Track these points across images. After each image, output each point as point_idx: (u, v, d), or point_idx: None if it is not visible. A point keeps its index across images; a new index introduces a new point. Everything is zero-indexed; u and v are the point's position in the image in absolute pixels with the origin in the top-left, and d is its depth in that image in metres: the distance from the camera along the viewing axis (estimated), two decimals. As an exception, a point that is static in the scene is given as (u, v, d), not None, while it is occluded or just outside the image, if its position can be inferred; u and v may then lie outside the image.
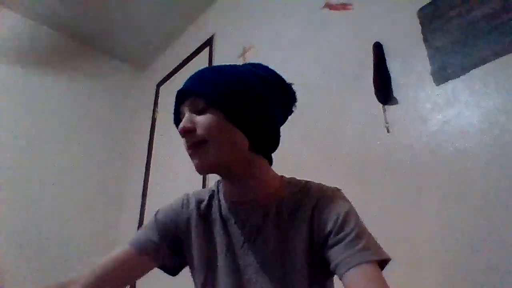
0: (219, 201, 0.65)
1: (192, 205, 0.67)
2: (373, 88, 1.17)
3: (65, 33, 2.47)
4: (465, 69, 0.98)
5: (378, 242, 0.55)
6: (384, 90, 1.15)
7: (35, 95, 2.21)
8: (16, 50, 2.21)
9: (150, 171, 2.32)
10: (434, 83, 1.05)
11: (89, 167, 2.33)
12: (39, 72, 2.27)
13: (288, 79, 0.68)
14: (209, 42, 2.17)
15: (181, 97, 0.60)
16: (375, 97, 1.16)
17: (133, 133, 2.66)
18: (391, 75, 1.16)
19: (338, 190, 0.63)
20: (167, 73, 2.52)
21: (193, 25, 2.44)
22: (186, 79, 0.61)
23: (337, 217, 0.55)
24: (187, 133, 0.57)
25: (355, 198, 0.64)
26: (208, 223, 0.64)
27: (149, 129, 2.48)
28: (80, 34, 2.50)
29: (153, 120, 2.49)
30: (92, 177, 2.32)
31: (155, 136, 2.41)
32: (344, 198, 0.61)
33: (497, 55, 0.92)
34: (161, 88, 2.57)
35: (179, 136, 0.58)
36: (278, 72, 0.67)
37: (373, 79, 1.18)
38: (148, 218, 0.74)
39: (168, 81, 2.50)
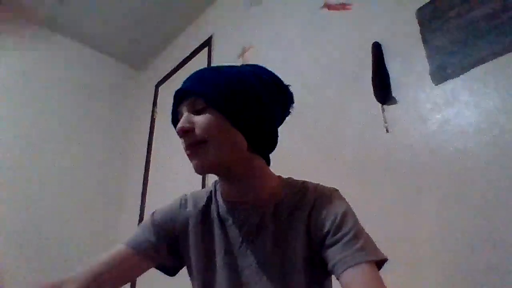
0: (216, 201, 0.65)
1: (190, 206, 0.67)
2: (372, 87, 1.17)
3: (64, 34, 2.47)
4: (464, 69, 0.98)
5: (377, 242, 0.55)
6: (383, 90, 1.15)
7: (35, 95, 2.21)
8: (15, 50, 2.21)
9: (150, 171, 2.32)
10: (433, 83, 1.04)
11: (89, 167, 2.33)
12: (38, 72, 2.27)
13: (287, 79, 0.68)
14: (208, 42, 2.17)
15: (180, 97, 0.60)
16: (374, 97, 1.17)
17: (132, 133, 2.66)
18: (390, 75, 1.16)
19: (336, 190, 0.63)
20: (166, 73, 2.52)
21: (192, 25, 2.43)
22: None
23: (335, 217, 0.55)
24: (185, 133, 0.56)
25: (355, 198, 0.64)
26: (206, 224, 0.64)
27: (149, 129, 2.48)
28: (79, 35, 2.50)
29: (152, 120, 2.49)
30: (92, 177, 2.32)
31: (154, 136, 2.42)
32: (341, 198, 0.61)
33: (496, 54, 0.92)
34: (160, 88, 2.57)
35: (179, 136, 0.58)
36: (277, 72, 0.67)
37: (372, 79, 1.18)
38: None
39: (167, 82, 2.50)
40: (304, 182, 0.64)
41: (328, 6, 1.46)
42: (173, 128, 0.61)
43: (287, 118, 0.70)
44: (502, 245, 0.81)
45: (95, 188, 2.32)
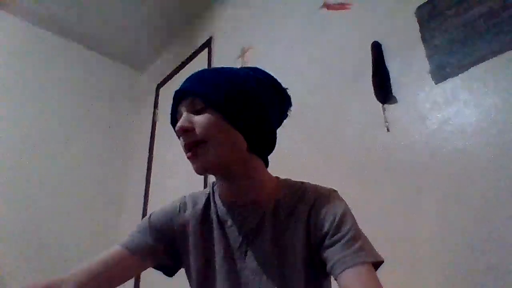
0: (215, 203, 0.65)
1: (189, 207, 0.67)
2: (372, 87, 1.17)
3: (64, 35, 2.47)
4: (463, 68, 0.98)
5: (377, 242, 0.55)
6: (383, 89, 1.15)
7: (35, 95, 2.21)
8: (16, 51, 2.21)
9: (152, 171, 2.33)
10: (433, 82, 1.04)
11: (89, 168, 2.32)
12: (39, 73, 2.27)
13: (287, 79, 0.68)
14: (208, 43, 2.17)
15: (179, 97, 0.60)
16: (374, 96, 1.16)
17: (133, 134, 2.67)
18: (390, 74, 1.16)
19: (334, 191, 0.63)
20: (166, 74, 2.52)
21: (192, 26, 2.44)
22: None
23: (334, 217, 0.56)
24: (184, 132, 0.56)
25: (355, 198, 0.64)
26: (205, 226, 0.64)
27: (150, 130, 2.48)
28: (80, 36, 2.50)
29: (153, 121, 2.49)
30: (92, 178, 2.32)
31: (155, 137, 2.42)
32: (340, 198, 0.61)
33: (496, 53, 0.92)
34: (161, 89, 2.57)
35: (180, 137, 0.58)
36: (277, 72, 0.68)
37: (372, 78, 1.18)
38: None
39: (168, 83, 2.51)
40: (302, 183, 0.65)
41: (327, 6, 1.46)
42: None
43: (286, 119, 0.70)
44: (502, 245, 0.80)
45: (95, 188, 2.32)
